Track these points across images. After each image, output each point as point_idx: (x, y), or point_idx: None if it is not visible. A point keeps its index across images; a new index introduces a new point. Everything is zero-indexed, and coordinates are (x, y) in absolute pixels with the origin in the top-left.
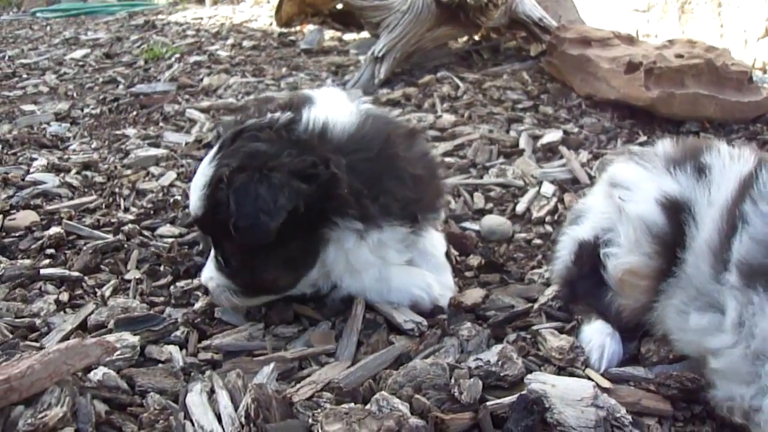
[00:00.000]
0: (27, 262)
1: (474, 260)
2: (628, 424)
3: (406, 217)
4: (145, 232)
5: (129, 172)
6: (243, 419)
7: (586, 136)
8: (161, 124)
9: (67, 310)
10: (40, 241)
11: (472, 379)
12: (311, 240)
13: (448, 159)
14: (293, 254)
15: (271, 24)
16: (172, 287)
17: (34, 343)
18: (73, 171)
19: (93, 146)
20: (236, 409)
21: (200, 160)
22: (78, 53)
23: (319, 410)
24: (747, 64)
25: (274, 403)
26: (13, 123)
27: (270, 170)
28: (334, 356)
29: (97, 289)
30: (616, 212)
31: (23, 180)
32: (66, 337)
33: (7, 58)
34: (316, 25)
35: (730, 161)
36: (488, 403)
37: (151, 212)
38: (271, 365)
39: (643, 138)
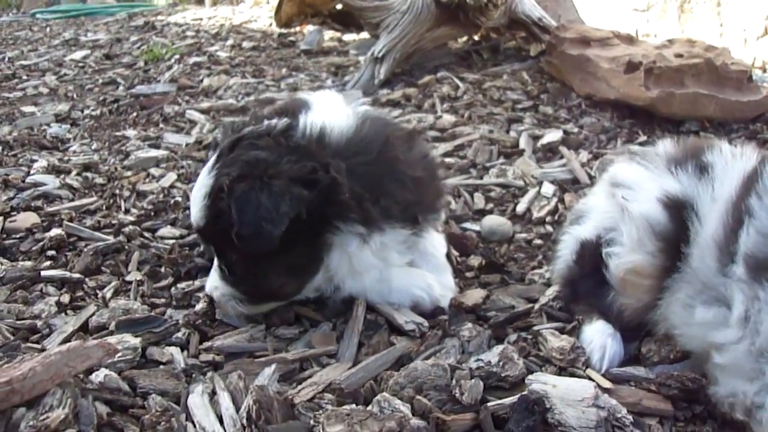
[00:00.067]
0: (28, 263)
1: (474, 261)
2: (629, 424)
3: (407, 219)
4: (146, 234)
5: (129, 173)
6: (244, 421)
7: (586, 136)
8: (161, 125)
9: (69, 311)
10: (41, 243)
11: (473, 380)
12: (315, 246)
13: (448, 159)
14: (297, 260)
15: (270, 25)
16: (173, 289)
17: (35, 345)
18: (74, 172)
19: (93, 148)
20: (238, 410)
21: (200, 161)
22: (78, 54)
23: (320, 411)
24: (746, 63)
25: (276, 405)
26: (13, 124)
27: (270, 178)
28: (335, 357)
29: (98, 291)
30: (619, 212)
31: (24, 182)
32: (67, 339)
33: (6, 59)
34: (315, 25)
35: (732, 159)
36: (489, 404)
37: (152, 214)
38: (273, 366)
39: (642, 138)
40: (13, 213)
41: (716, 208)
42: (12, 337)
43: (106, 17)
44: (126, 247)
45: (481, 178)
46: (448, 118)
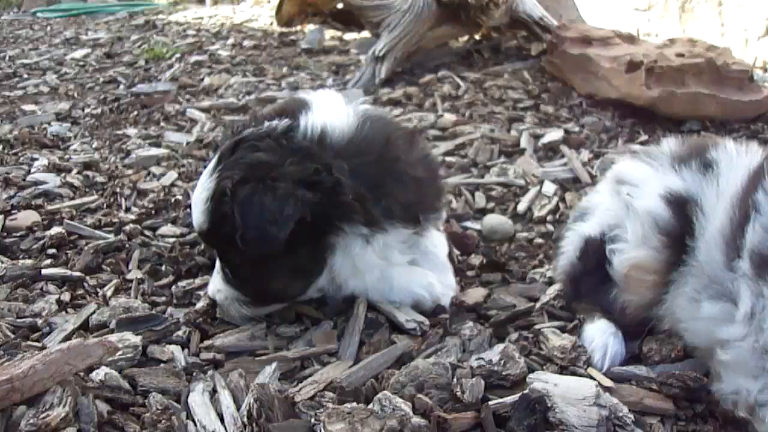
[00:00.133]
0: (28, 262)
1: (475, 259)
2: (630, 423)
3: (408, 219)
4: (147, 232)
5: (130, 171)
6: (245, 419)
7: (587, 135)
8: (162, 123)
9: (69, 310)
10: (42, 241)
11: (474, 379)
12: (318, 247)
13: (449, 158)
14: (301, 262)
15: (271, 24)
16: (173, 287)
17: (35, 344)
18: (74, 171)
19: (94, 146)
20: (238, 408)
21: (201, 159)
22: (78, 53)
23: (321, 410)
24: (748, 63)
25: (277, 403)
26: (14, 123)
27: (274, 180)
28: (336, 356)
29: (98, 289)
30: (623, 209)
31: (24, 180)
32: (68, 337)
33: (7, 58)
34: (316, 24)
35: (737, 155)
36: (490, 403)
37: (153, 212)
38: (273, 365)
39: (644, 137)
40: (13, 211)
41: (722, 202)
42: (12, 336)
43: (107, 16)
44: (126, 245)
45: (482, 177)
46: (449, 117)
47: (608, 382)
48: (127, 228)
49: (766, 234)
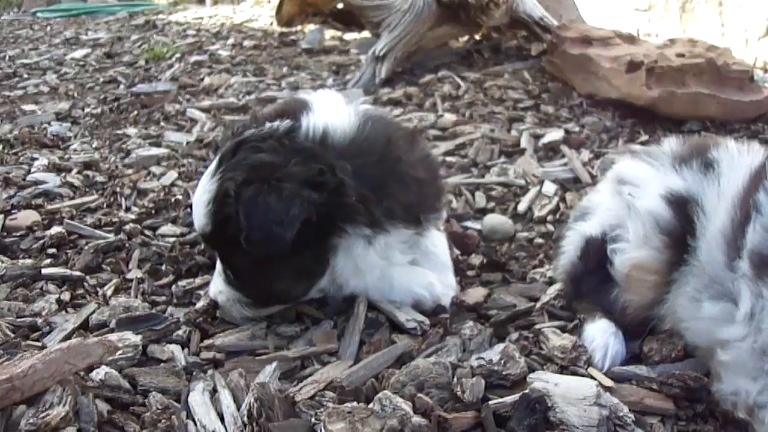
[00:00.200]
0: (28, 261)
1: (476, 259)
2: (630, 422)
3: (410, 219)
4: (147, 232)
5: (130, 171)
6: (245, 418)
7: (588, 135)
8: (162, 123)
9: (69, 309)
10: (42, 241)
11: (474, 378)
12: (321, 248)
13: (449, 158)
14: (305, 264)
15: (271, 23)
16: (173, 286)
17: (35, 343)
18: (74, 171)
19: (94, 146)
20: (239, 408)
21: (201, 159)
22: (78, 53)
23: (321, 409)
24: (748, 63)
25: (277, 403)
26: (14, 123)
27: (278, 181)
28: (337, 355)
29: (98, 289)
30: (624, 208)
31: (24, 180)
32: (68, 337)
33: (7, 58)
34: (316, 24)
35: (738, 154)
36: (491, 402)
37: (153, 212)
38: (274, 364)
39: (644, 137)
40: (13, 211)
41: (723, 202)
42: (12, 335)
43: (107, 16)
44: (126, 245)
45: (483, 177)
46: (449, 117)
47: (609, 382)
48: (127, 227)
49: (767, 234)
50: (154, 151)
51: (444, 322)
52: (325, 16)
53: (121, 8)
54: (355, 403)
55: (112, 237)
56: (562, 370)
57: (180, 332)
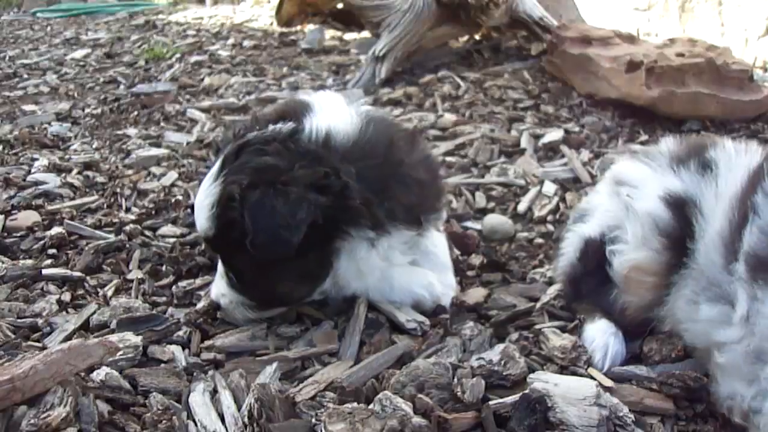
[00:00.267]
0: (29, 262)
1: (476, 259)
2: (630, 423)
3: (411, 221)
4: (147, 232)
5: (130, 172)
6: (246, 419)
7: (588, 135)
8: (162, 124)
9: (70, 310)
10: (42, 242)
11: (474, 379)
12: (325, 251)
13: (449, 158)
14: (309, 267)
15: (271, 24)
16: (174, 287)
17: (36, 344)
18: (75, 171)
19: (94, 146)
20: (239, 408)
21: (201, 159)
22: (79, 53)
23: (322, 410)
24: (748, 62)
25: (277, 403)
26: (14, 123)
27: (284, 184)
28: (337, 356)
29: (99, 289)
30: (623, 210)
31: (24, 180)
32: (68, 338)
33: (7, 58)
34: (316, 24)
35: (736, 155)
36: (491, 403)
37: (153, 212)
38: (274, 365)
39: (644, 137)
40: (14, 211)
41: (721, 204)
42: (13, 336)
43: (107, 16)
44: (127, 245)
45: (483, 177)
46: (449, 117)
47: (608, 382)
48: (127, 228)
49: (763, 236)
50: (154, 151)
51: (444, 322)
52: (324, 16)
53: (121, 8)
54: (355, 404)
55: (112, 237)
56: (562, 370)
57: (180, 333)
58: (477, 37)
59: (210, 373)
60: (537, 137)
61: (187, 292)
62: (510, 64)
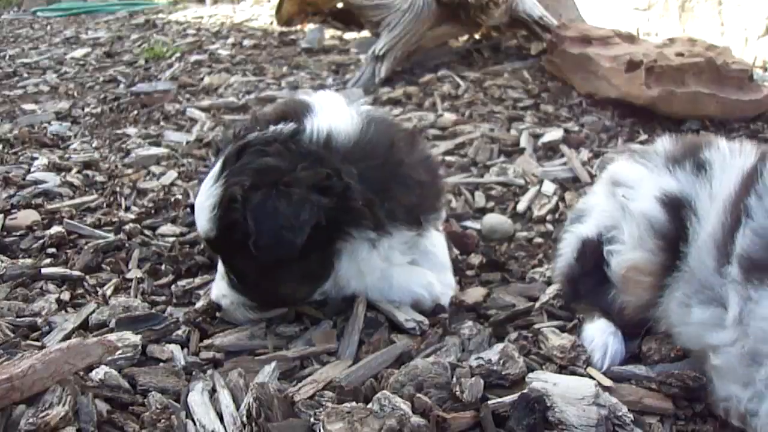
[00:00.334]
0: (28, 261)
1: (475, 259)
2: (629, 422)
3: (411, 221)
4: (146, 232)
5: (130, 171)
6: (245, 418)
7: (587, 134)
8: (162, 123)
9: (69, 309)
10: (41, 241)
11: (473, 378)
12: (327, 252)
13: (449, 158)
14: (310, 268)
15: (271, 23)
16: (173, 286)
17: (35, 343)
18: (74, 170)
19: (94, 145)
20: (238, 408)
21: (201, 159)
22: (78, 52)
23: (320, 409)
24: (747, 62)
25: (276, 402)
26: (13, 122)
27: (287, 185)
28: (336, 355)
29: (98, 289)
30: (619, 210)
31: (24, 179)
32: (67, 337)
33: (7, 57)
34: (316, 24)
35: (731, 156)
36: (490, 402)
37: (152, 211)
38: (273, 364)
39: (643, 136)
40: (13, 210)
41: (715, 206)
42: (12, 335)
43: (107, 15)
44: (126, 244)
45: (482, 176)
46: (448, 117)
47: (607, 382)
48: (126, 227)
49: (756, 238)
50: (154, 150)
51: (443, 321)
52: (324, 15)
53: (121, 7)
54: (354, 403)
55: (111, 237)
56: (561, 369)
57: (179, 332)
58: (477, 36)
59: (209, 372)
60: (536, 137)
61: (186, 291)
62: (510, 64)
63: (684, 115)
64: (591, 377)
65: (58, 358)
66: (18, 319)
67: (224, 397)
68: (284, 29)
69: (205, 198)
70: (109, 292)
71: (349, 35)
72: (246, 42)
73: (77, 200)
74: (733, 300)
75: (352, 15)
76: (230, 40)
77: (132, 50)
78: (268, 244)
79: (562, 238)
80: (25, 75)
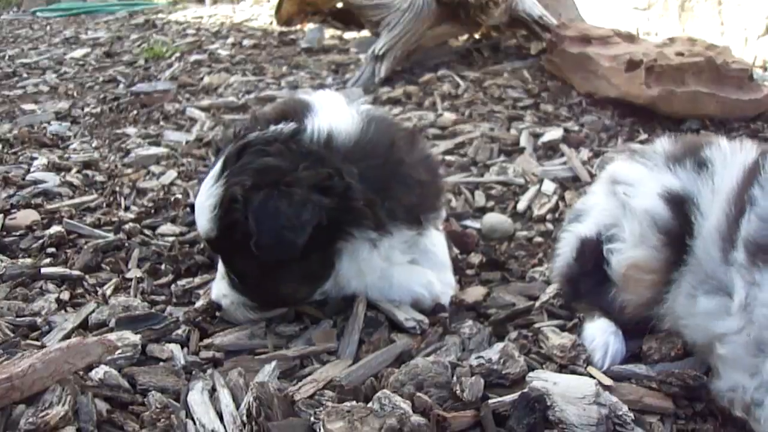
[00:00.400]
0: (28, 261)
1: (475, 258)
2: (630, 421)
3: (411, 221)
4: (146, 231)
5: (129, 170)
6: (245, 418)
7: (587, 134)
8: (162, 122)
9: (68, 308)
10: (41, 240)
11: (473, 377)
12: (328, 252)
13: (449, 157)
14: (311, 268)
15: (271, 23)
16: (173, 286)
17: (35, 342)
18: (74, 170)
19: (93, 145)
20: (238, 407)
21: (201, 158)
22: (78, 52)
23: (320, 408)
24: (747, 62)
25: (276, 402)
26: (13, 122)
27: (288, 186)
28: (336, 354)
29: (98, 288)
30: (620, 208)
31: (24, 179)
32: (67, 336)
33: (7, 57)
34: (316, 23)
35: (731, 153)
36: (490, 401)
37: (152, 211)
38: (273, 363)
39: (643, 136)
40: (13, 210)
41: (717, 200)
42: (12, 334)
43: (107, 15)
44: (126, 244)
45: (482, 175)
46: (448, 116)
47: (608, 381)
48: (126, 227)
49: (762, 223)
50: (154, 150)
51: (443, 321)
52: (324, 15)
53: (120, 7)
54: (354, 402)
55: (111, 236)
56: (562, 368)
57: (179, 331)
58: (476, 36)
59: (209, 371)
60: (536, 136)
61: (186, 290)
62: (509, 63)
63: (684, 115)
64: (591, 376)
65: (57, 357)
66: (18, 319)
67: (224, 397)
68: (284, 29)
69: (206, 198)
70: (108, 292)
71: (348, 35)
72: (246, 42)
73: (77, 200)
74: (738, 285)
75: (351, 15)
76: (230, 40)
77: (132, 50)
78: (270, 244)
79: (561, 238)
80: (25, 75)
